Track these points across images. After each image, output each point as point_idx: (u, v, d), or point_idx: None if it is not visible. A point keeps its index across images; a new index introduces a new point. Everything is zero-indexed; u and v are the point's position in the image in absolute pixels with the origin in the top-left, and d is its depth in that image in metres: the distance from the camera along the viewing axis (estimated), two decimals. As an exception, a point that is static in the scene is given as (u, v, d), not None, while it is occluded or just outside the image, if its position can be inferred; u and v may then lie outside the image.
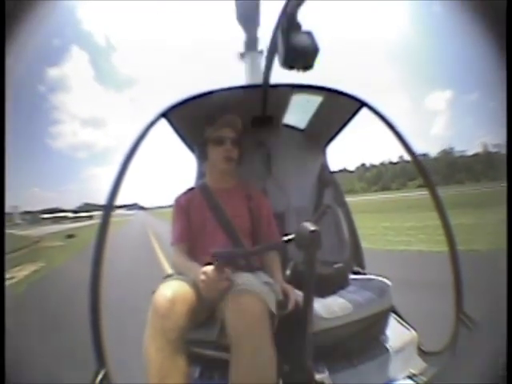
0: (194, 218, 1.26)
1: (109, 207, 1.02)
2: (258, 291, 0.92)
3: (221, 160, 1.28)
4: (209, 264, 0.90)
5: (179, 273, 1.10)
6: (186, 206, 1.28)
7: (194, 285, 0.95)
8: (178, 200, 1.33)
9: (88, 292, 0.95)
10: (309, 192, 1.83)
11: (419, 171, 1.19)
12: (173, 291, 0.89)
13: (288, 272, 1.37)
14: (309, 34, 0.72)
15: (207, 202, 1.27)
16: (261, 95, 1.35)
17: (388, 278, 1.33)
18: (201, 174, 1.75)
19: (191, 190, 1.39)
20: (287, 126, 1.86)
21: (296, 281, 1.15)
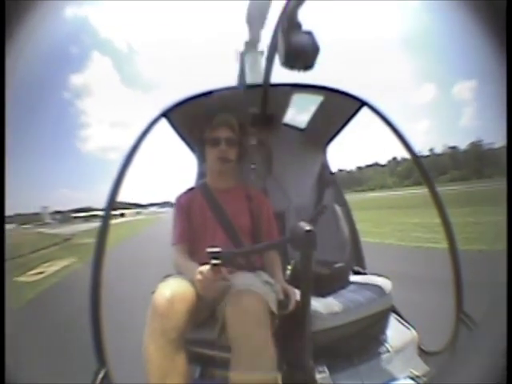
0: (195, 218, 1.26)
1: (109, 207, 1.02)
2: (258, 291, 0.92)
3: (215, 161, 1.27)
4: (206, 263, 0.91)
5: (179, 273, 1.10)
6: (186, 206, 1.28)
7: (193, 284, 0.95)
8: (178, 200, 1.33)
9: (88, 292, 0.95)
10: (309, 191, 1.83)
11: (420, 171, 1.19)
12: (172, 291, 0.89)
13: (288, 272, 1.37)
14: (309, 33, 0.72)
15: (208, 202, 1.27)
16: (261, 95, 1.35)
17: (388, 278, 1.33)
18: (201, 174, 1.76)
19: (191, 189, 1.39)
20: (287, 125, 1.86)
21: (296, 281, 1.15)
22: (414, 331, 1.26)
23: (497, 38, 0.49)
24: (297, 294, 1.03)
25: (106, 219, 1.01)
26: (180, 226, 1.25)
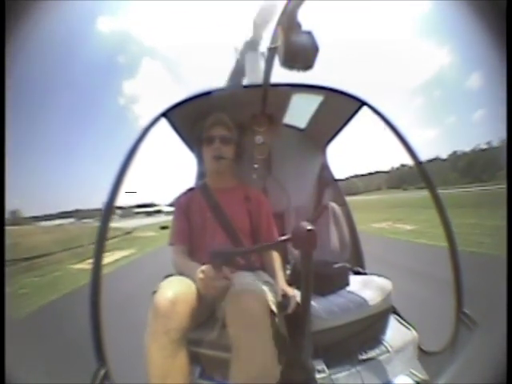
0: (194, 218, 1.26)
1: (109, 207, 1.02)
2: (258, 290, 0.92)
3: (210, 159, 1.28)
4: (206, 263, 0.91)
5: (179, 273, 1.10)
6: (185, 207, 1.28)
7: (195, 284, 0.95)
8: (177, 200, 1.33)
9: (88, 291, 0.95)
10: (309, 192, 1.83)
11: (421, 175, 1.18)
12: (174, 291, 0.89)
13: (288, 272, 1.37)
14: (309, 33, 0.72)
15: (207, 202, 1.27)
16: (261, 95, 1.35)
17: (389, 278, 1.33)
18: (201, 174, 1.76)
19: (191, 190, 1.39)
20: (287, 125, 1.86)
21: (296, 281, 1.15)
22: (414, 331, 1.26)
23: (498, 38, 0.49)
24: (297, 294, 1.03)
25: (105, 219, 1.01)
26: (179, 226, 1.25)
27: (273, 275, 1.18)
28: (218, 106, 1.31)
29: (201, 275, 0.90)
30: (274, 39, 0.85)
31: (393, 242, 6.89)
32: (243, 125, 1.64)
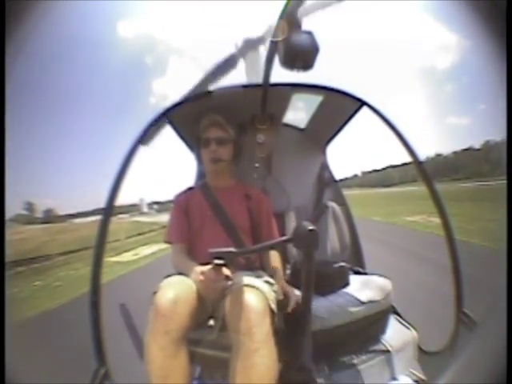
0: (194, 218, 1.26)
1: (109, 207, 1.02)
2: (258, 290, 0.92)
3: (208, 161, 1.29)
4: (207, 263, 0.90)
5: (179, 272, 1.10)
6: (184, 206, 1.28)
7: (195, 284, 0.95)
8: (177, 199, 1.33)
9: (89, 291, 0.95)
10: (309, 191, 1.83)
11: (420, 174, 1.18)
12: (174, 292, 0.89)
13: (288, 272, 1.37)
14: (309, 33, 0.72)
15: (207, 201, 1.27)
16: (261, 95, 1.35)
17: (389, 278, 1.33)
18: (201, 174, 1.76)
19: (191, 189, 1.39)
20: (287, 125, 1.86)
21: (296, 280, 1.14)
22: (413, 331, 1.26)
23: (497, 38, 0.49)
24: (297, 294, 1.03)
25: (105, 219, 1.01)
26: (179, 226, 1.25)
27: (273, 275, 1.18)
28: (218, 106, 1.31)
29: (201, 277, 0.90)
30: (275, 33, 0.85)
31: (426, 235, 6.60)
32: (243, 124, 1.64)
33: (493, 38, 0.50)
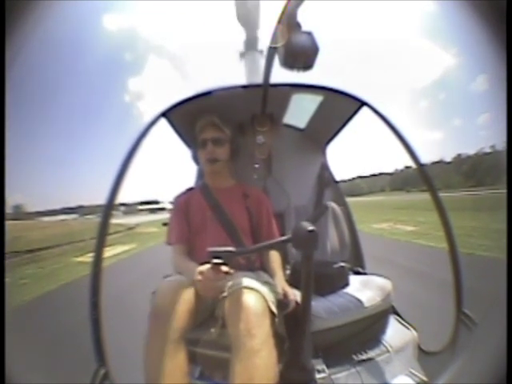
0: (194, 218, 1.26)
1: (109, 207, 1.02)
2: (258, 290, 0.92)
3: (204, 162, 1.29)
4: (205, 263, 0.90)
5: (179, 273, 1.10)
6: (184, 207, 1.28)
7: (194, 284, 0.95)
8: (176, 200, 1.33)
9: (88, 291, 0.95)
10: (309, 191, 1.83)
11: (421, 177, 1.17)
12: (173, 291, 0.89)
13: (288, 272, 1.37)
14: (309, 34, 0.72)
15: (207, 202, 1.27)
16: (261, 95, 1.35)
17: (388, 278, 1.33)
18: (200, 174, 1.76)
19: (190, 189, 1.39)
20: (287, 125, 1.86)
21: (296, 281, 1.14)
22: (413, 331, 1.26)
23: (498, 38, 0.49)
24: (296, 294, 1.03)
25: (105, 219, 1.01)
26: (178, 226, 1.25)
27: (272, 275, 1.18)
28: (217, 106, 1.31)
29: (199, 277, 0.90)
30: (274, 38, 0.85)
31: (392, 242, 6.88)
32: (243, 124, 1.63)
33: (493, 38, 0.50)
